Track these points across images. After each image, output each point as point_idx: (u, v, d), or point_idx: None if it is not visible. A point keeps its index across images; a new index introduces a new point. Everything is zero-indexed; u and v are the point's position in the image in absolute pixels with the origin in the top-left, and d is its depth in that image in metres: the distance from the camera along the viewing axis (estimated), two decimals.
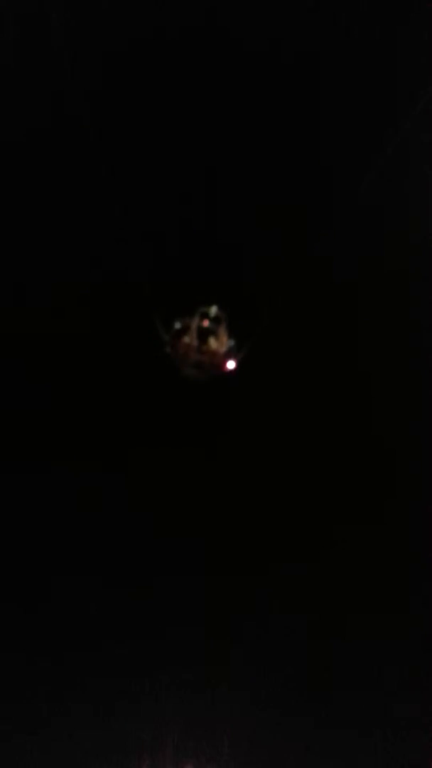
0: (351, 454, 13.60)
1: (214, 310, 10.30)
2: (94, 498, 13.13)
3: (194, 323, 10.20)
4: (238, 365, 10.36)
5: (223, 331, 10.32)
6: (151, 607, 13.31)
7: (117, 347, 13.18)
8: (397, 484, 13.06)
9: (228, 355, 10.15)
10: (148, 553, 13.63)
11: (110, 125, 11.66)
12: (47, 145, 12.02)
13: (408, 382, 12.75)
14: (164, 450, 13.50)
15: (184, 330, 10.19)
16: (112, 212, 11.28)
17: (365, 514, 13.23)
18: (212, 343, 10.20)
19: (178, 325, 10.16)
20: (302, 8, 10.25)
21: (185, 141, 11.96)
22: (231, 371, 10.21)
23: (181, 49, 11.36)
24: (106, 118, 11.57)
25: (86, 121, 11.22)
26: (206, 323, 10.19)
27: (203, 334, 10.13)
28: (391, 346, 12.97)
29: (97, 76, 11.61)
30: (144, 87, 11.95)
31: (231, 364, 10.09)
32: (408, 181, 10.93)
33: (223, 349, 10.21)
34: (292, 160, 11.75)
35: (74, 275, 12.65)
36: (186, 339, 10.18)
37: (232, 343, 10.34)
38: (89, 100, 11.27)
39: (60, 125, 11.77)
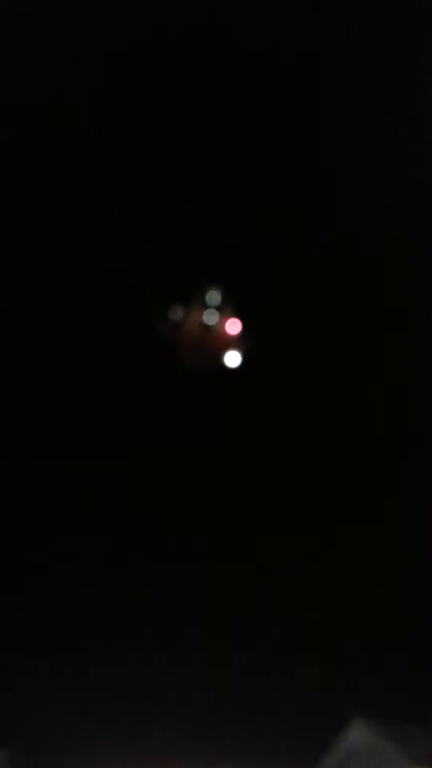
0: (351, 452, 13.59)
1: (217, 294, 10.25)
2: (94, 496, 13.13)
3: (197, 306, 10.17)
4: (239, 360, 10.35)
5: (227, 314, 10.29)
6: (152, 606, 13.32)
7: (118, 343, 13.17)
8: (397, 484, 13.07)
9: (233, 337, 10.13)
10: (148, 552, 13.62)
11: (111, 125, 11.65)
12: (48, 144, 12.01)
13: (409, 380, 12.75)
14: (165, 449, 13.49)
15: (188, 314, 10.18)
16: (112, 208, 11.27)
17: (366, 514, 13.24)
18: (218, 324, 10.17)
19: (181, 312, 10.14)
20: (302, 8, 10.24)
21: (185, 136, 11.93)
22: (235, 356, 10.20)
23: (181, 49, 11.35)
24: (106, 118, 11.56)
25: (86, 121, 11.21)
26: (209, 307, 10.18)
27: (207, 317, 10.12)
28: (392, 343, 12.96)
29: (98, 76, 11.59)
30: (144, 87, 11.95)
31: (234, 327, 10.03)
32: (408, 180, 10.93)
33: (228, 330, 10.16)
34: (291, 158, 11.73)
35: (74, 272, 12.64)
36: (191, 320, 10.15)
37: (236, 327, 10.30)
38: (89, 99, 11.26)
39: (61, 125, 11.76)
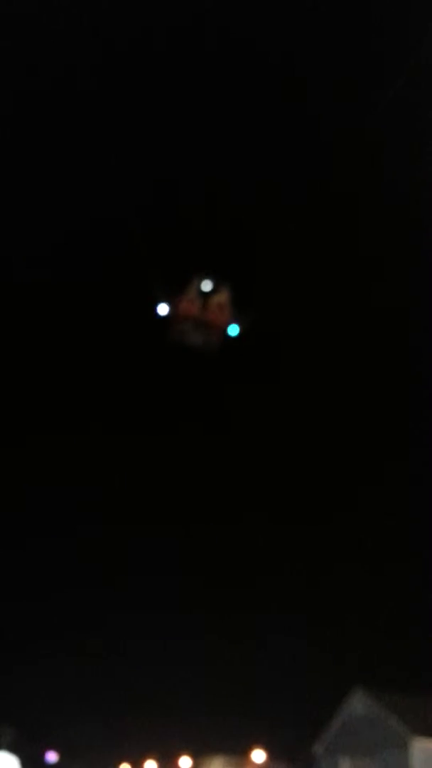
0: (350, 429, 13.90)
1: (210, 280, 10.51)
2: (94, 492, 13.44)
3: (194, 285, 10.45)
4: (240, 336, 10.60)
5: (224, 292, 10.57)
6: (151, 585, 13.69)
7: (117, 323, 13.40)
8: (395, 469, 13.38)
9: (232, 315, 10.37)
10: (148, 529, 13.95)
11: (114, 106, 11.69)
12: (55, 125, 12.04)
13: (406, 358, 12.99)
14: (165, 423, 13.78)
15: (184, 296, 10.44)
16: (112, 186, 11.36)
17: (364, 500, 13.58)
18: (216, 299, 10.43)
19: (177, 294, 10.39)
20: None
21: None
22: (234, 329, 10.45)
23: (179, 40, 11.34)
24: (111, 97, 11.59)
25: (91, 98, 11.24)
26: (206, 287, 10.42)
27: (205, 296, 10.39)
28: (388, 320, 13.19)
29: (99, 60, 11.57)
30: (149, 66, 11.92)
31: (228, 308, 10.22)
32: (407, 176, 11.02)
33: (226, 306, 10.42)
34: (289, 142, 11.81)
35: (75, 262, 12.81)
36: (188, 299, 10.40)
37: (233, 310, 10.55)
38: (95, 75, 11.23)
39: (66, 107, 11.76)
